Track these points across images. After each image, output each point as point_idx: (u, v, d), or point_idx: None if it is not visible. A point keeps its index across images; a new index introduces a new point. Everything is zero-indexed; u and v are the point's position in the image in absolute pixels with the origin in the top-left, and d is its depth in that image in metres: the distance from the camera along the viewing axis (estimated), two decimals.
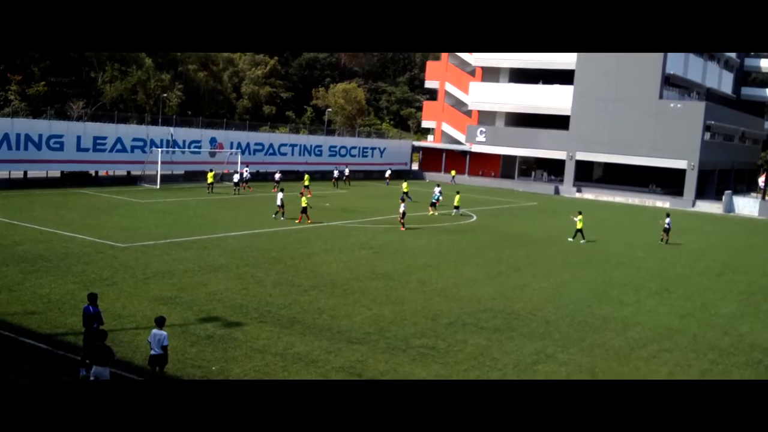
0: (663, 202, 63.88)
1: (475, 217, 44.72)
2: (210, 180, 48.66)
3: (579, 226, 36.75)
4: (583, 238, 36.71)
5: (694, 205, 63.37)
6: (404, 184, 49.64)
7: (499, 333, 19.29)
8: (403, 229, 36.48)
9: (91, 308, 14.53)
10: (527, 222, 44.91)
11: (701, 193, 65.73)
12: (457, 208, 44.67)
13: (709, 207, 62.95)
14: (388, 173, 66.55)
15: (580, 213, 37.57)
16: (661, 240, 38.34)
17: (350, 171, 64.56)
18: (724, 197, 62.84)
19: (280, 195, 38.17)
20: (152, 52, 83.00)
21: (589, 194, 68.13)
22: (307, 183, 50.17)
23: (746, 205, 62.17)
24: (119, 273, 23.11)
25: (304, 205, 36.91)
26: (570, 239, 36.85)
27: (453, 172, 73.82)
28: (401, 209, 37.19)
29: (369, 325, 19.16)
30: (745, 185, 78.42)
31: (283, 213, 37.53)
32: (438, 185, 49.08)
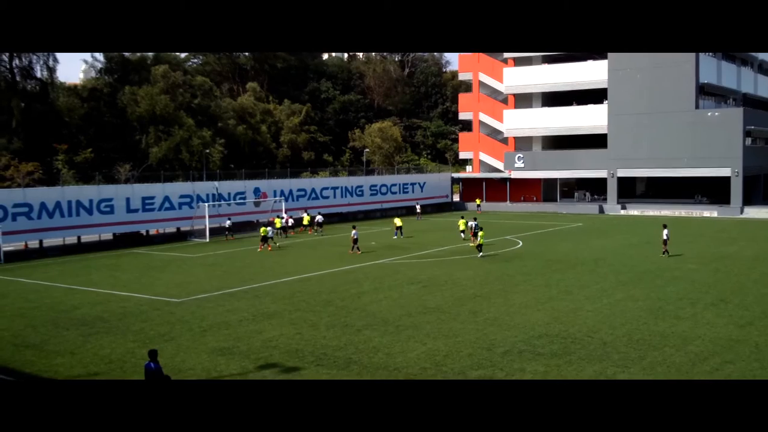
0: (710, 212, 62.80)
1: (521, 243, 44.55)
2: (278, 225, 51.16)
3: (480, 241, 38.59)
4: (480, 252, 38.32)
5: (742, 212, 62.15)
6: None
7: (556, 358, 19.18)
8: (360, 252, 40.34)
9: (152, 365, 14.88)
10: (574, 244, 44.55)
11: (748, 200, 64.46)
12: (462, 232, 46.44)
13: (758, 213, 61.69)
14: (418, 208, 66.80)
15: (481, 229, 40.48)
16: (663, 253, 37.03)
17: (393, 207, 65.27)
18: None
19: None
20: (193, 115, 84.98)
21: (634, 210, 67.32)
22: (306, 222, 53.54)
23: None
24: (176, 328, 23.62)
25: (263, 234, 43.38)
26: (479, 255, 38.19)
27: (478, 201, 73.97)
28: (353, 236, 41.00)
29: (425, 360, 19.22)
30: None
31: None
32: (462, 216, 49.72)
